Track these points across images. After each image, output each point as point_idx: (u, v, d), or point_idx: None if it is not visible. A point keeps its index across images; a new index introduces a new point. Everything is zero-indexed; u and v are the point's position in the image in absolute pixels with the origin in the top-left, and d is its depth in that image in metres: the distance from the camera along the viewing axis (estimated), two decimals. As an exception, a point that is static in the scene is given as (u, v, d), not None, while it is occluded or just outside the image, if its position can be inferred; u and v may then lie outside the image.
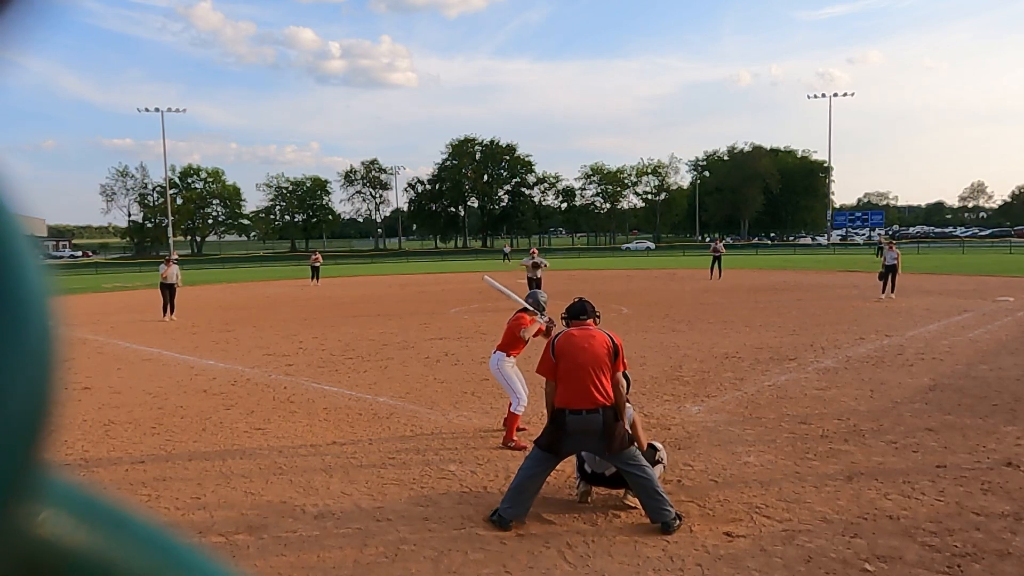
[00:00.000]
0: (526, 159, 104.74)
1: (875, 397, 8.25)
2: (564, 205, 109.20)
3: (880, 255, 21.27)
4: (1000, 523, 4.73)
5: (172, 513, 5.28)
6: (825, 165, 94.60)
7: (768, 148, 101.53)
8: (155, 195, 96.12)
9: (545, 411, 5.26)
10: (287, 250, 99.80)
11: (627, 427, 5.01)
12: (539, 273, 20.21)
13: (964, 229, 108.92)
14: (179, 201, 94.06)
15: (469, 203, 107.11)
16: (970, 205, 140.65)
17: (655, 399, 8.40)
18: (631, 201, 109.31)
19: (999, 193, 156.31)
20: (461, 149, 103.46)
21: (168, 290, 18.29)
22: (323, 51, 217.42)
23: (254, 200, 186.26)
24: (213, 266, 58.74)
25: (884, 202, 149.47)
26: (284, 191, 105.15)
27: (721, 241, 31.32)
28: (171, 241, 72.04)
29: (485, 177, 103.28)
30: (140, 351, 13.19)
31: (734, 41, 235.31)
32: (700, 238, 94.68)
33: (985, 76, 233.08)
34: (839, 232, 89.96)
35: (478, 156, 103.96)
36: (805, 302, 19.00)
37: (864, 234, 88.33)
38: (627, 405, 5.15)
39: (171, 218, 78.21)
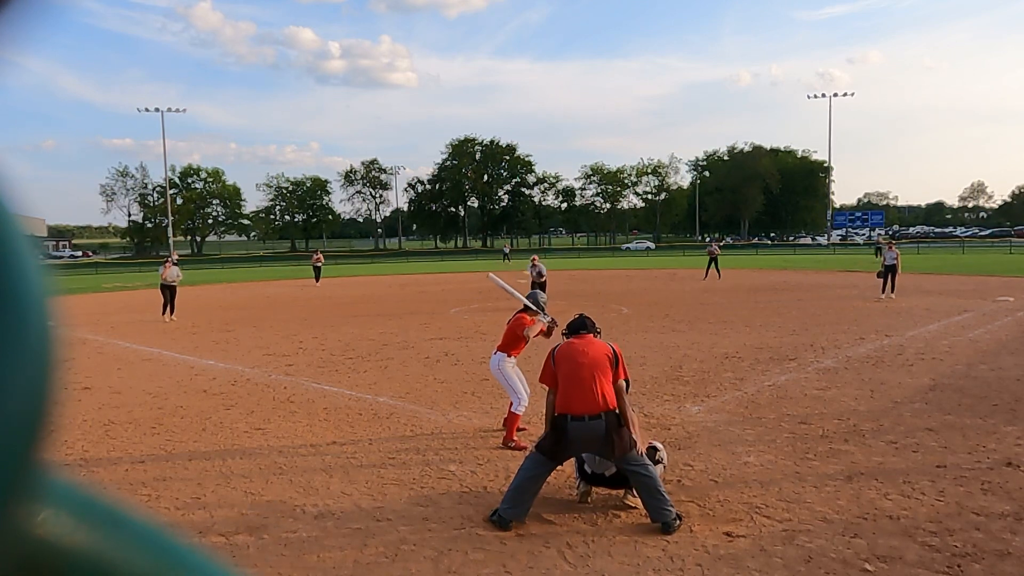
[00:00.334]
0: (526, 159, 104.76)
1: (875, 397, 8.25)
2: (564, 205, 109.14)
3: (879, 255, 21.26)
4: (1000, 523, 4.73)
5: (172, 513, 5.28)
6: (825, 165, 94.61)
7: (768, 148, 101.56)
8: (155, 195, 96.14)
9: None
10: (287, 250, 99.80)
11: (635, 434, 5.02)
12: (543, 278, 20.53)
13: (964, 229, 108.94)
14: (179, 201, 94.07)
15: (469, 203, 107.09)
16: (970, 205, 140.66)
17: (655, 399, 8.40)
18: (631, 201, 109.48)
19: (999, 193, 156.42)
20: (461, 149, 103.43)
21: (168, 291, 18.33)
22: (323, 51, 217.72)
23: (254, 200, 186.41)
24: (213, 266, 58.78)
25: (884, 202, 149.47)
26: (284, 191, 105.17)
27: (719, 243, 31.34)
28: (171, 241, 72.07)
29: (485, 177, 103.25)
30: (140, 351, 13.20)
31: (734, 41, 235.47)
32: (700, 238, 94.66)
33: (985, 76, 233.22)
34: (839, 232, 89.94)
35: (478, 156, 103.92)
36: (805, 302, 19.01)
37: (864, 234, 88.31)
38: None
39: (171, 218, 78.27)
